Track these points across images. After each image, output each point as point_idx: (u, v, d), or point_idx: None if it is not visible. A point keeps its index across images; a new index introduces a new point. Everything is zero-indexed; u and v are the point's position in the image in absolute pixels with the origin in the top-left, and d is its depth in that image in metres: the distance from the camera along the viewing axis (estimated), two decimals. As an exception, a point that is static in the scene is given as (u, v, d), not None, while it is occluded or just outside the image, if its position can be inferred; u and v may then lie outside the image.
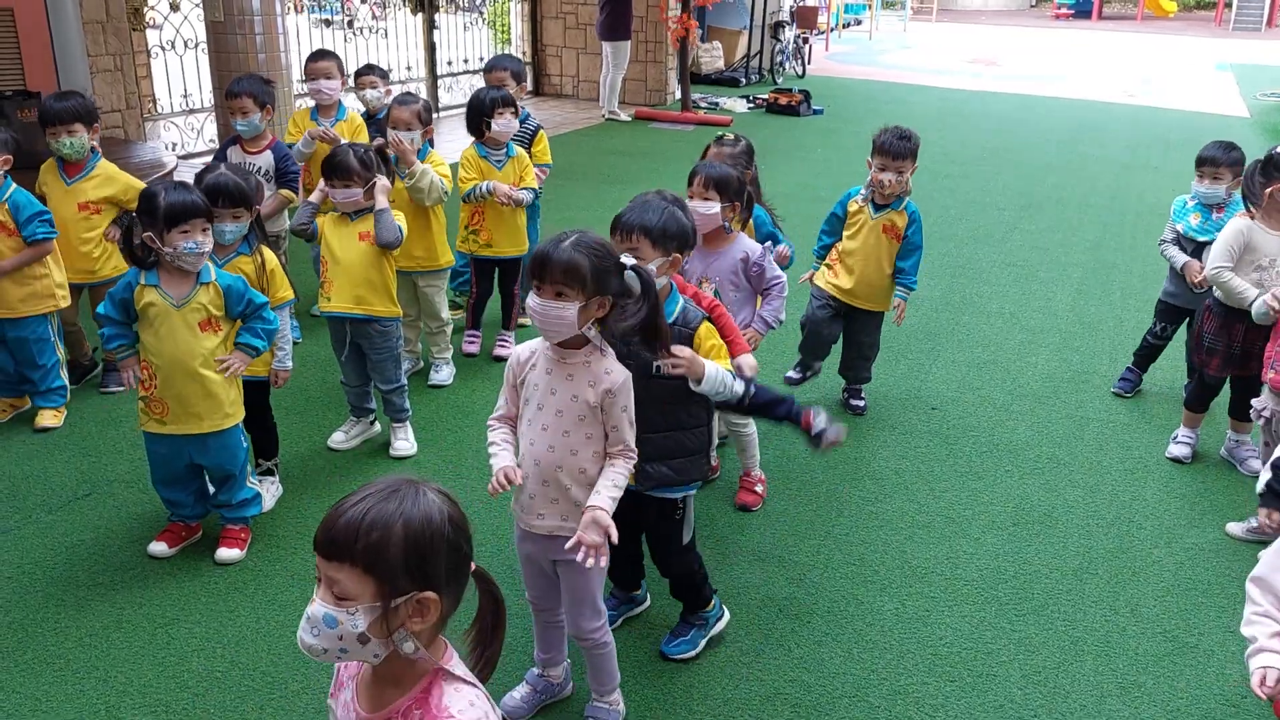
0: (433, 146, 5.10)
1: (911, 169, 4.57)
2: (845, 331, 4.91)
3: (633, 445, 2.66)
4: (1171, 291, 5.06)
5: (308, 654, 1.61)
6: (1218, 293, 4.35)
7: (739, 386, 2.91)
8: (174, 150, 9.34)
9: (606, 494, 2.59)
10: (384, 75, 5.96)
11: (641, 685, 3.14)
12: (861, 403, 5.02)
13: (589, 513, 2.56)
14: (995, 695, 3.17)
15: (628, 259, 2.61)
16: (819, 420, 3.30)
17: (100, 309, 3.59)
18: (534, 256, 2.54)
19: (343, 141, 5.41)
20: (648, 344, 2.69)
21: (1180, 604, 3.63)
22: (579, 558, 2.53)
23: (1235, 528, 4.05)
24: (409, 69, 12.60)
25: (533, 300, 2.52)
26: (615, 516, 2.76)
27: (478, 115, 5.12)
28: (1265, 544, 3.86)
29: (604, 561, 2.61)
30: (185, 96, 9.99)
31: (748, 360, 3.19)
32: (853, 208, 4.71)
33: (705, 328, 2.95)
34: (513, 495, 2.73)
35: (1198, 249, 4.81)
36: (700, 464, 3.03)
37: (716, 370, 2.81)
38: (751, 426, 4.08)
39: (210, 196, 3.61)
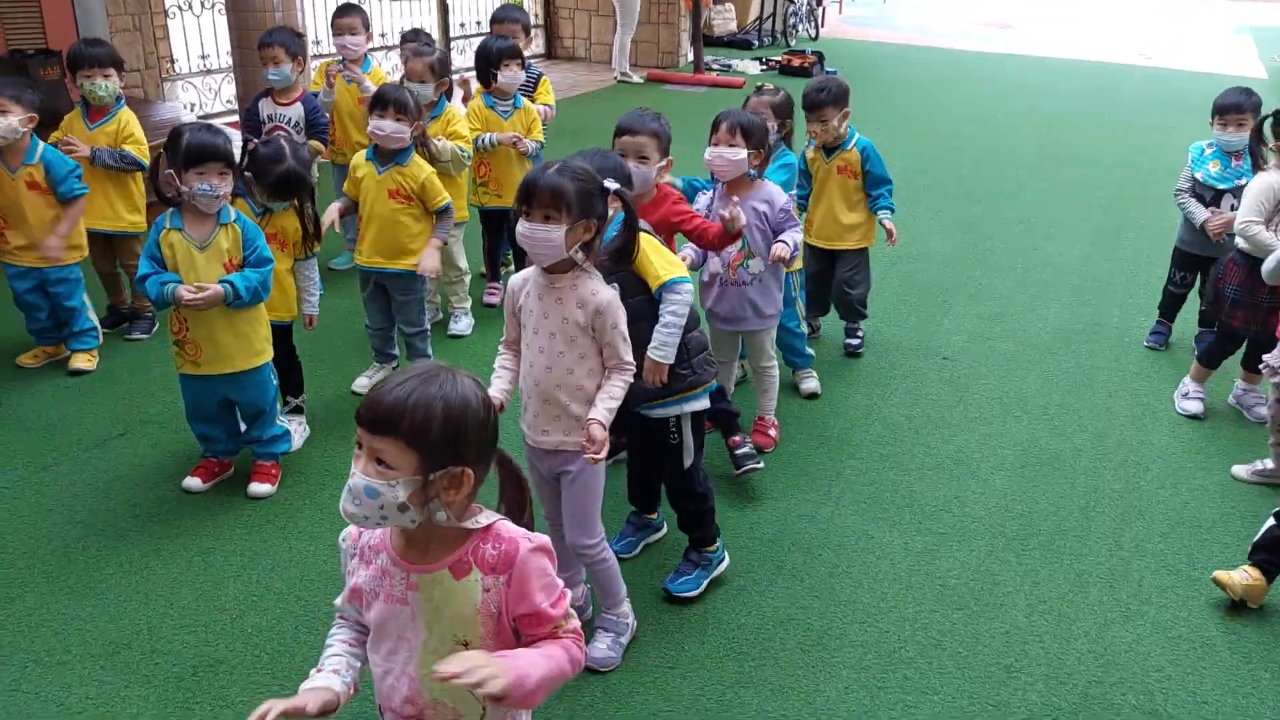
0: (450, 99, 5.16)
1: (837, 115, 4.65)
2: (832, 275, 4.98)
3: (628, 359, 2.77)
4: (1187, 239, 5.08)
5: (349, 520, 1.78)
6: (1243, 244, 4.34)
7: (679, 298, 2.97)
8: (192, 110, 9.45)
9: (602, 406, 2.73)
10: (430, 42, 5.96)
11: (658, 612, 3.26)
12: (856, 341, 5.12)
13: (587, 425, 2.70)
14: (1002, 622, 3.28)
15: (610, 183, 2.69)
16: (745, 447, 3.84)
17: (139, 271, 3.67)
18: (522, 183, 2.64)
19: (367, 83, 5.49)
20: (619, 263, 2.83)
21: (1184, 540, 3.72)
22: (586, 460, 2.71)
23: (1241, 470, 4.13)
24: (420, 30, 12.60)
25: (522, 225, 2.62)
26: (632, 436, 2.92)
27: (485, 65, 5.20)
28: (1270, 487, 3.98)
29: (600, 477, 2.85)
30: (203, 58, 10.04)
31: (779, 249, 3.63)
32: (810, 155, 4.82)
33: (647, 241, 2.99)
34: (519, 415, 2.87)
35: (1216, 197, 4.85)
36: (681, 375, 3.07)
37: (655, 347, 2.98)
38: (775, 370, 4.19)
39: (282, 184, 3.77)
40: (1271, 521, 3.36)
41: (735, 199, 3.54)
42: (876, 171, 4.75)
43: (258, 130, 5.37)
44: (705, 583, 3.37)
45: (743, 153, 3.70)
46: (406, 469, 1.70)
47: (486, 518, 1.84)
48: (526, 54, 5.51)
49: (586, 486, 2.84)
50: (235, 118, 9.16)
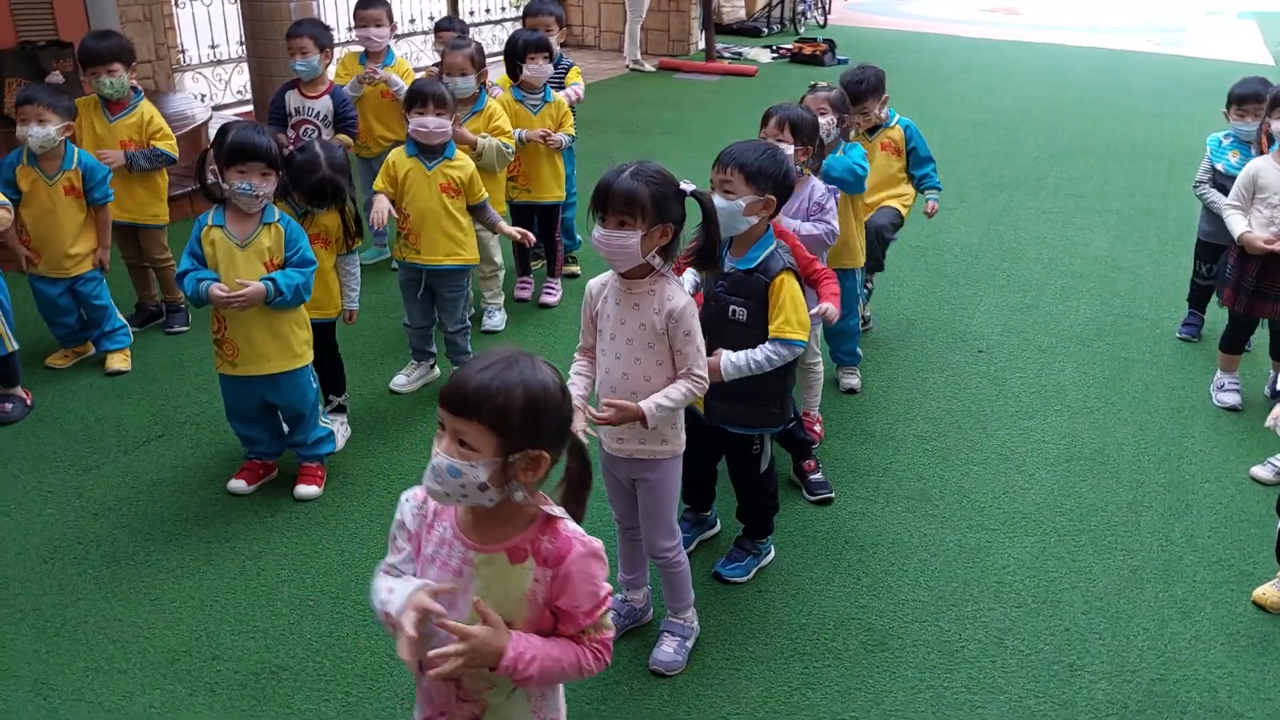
0: (489, 93, 5.12)
1: (877, 103, 4.69)
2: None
3: (699, 369, 2.71)
4: (1208, 230, 5.10)
5: (432, 498, 1.84)
6: None
7: (786, 352, 2.99)
8: (203, 101, 9.38)
9: (657, 398, 2.67)
10: (464, 30, 5.89)
11: (718, 610, 3.25)
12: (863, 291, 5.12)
13: (632, 406, 2.66)
14: (1060, 619, 3.27)
15: (687, 185, 2.67)
16: (818, 474, 3.86)
17: (180, 266, 3.64)
18: (596, 188, 2.60)
19: (396, 80, 5.45)
20: (701, 266, 2.81)
21: (1234, 534, 3.72)
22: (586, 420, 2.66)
23: (1261, 471, 4.08)
24: (431, 19, 12.53)
25: (597, 231, 2.59)
26: (694, 438, 2.92)
27: (511, 58, 5.17)
28: None
29: (677, 481, 2.85)
30: (213, 48, 9.98)
31: (829, 309, 3.37)
32: (853, 139, 4.79)
33: (784, 277, 3.00)
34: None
35: None
36: (770, 414, 3.13)
37: (732, 363, 2.96)
38: (820, 367, 4.17)
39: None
40: None
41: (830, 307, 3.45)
42: (921, 151, 4.81)
43: (283, 123, 5.32)
44: (754, 571, 3.41)
45: (790, 149, 3.67)
46: (487, 451, 1.75)
47: (552, 509, 1.87)
48: (559, 46, 5.47)
49: (664, 491, 2.82)
50: (248, 108, 9.13)
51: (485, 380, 1.74)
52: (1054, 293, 5.89)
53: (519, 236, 4.58)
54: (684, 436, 2.84)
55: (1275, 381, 4.68)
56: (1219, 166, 4.94)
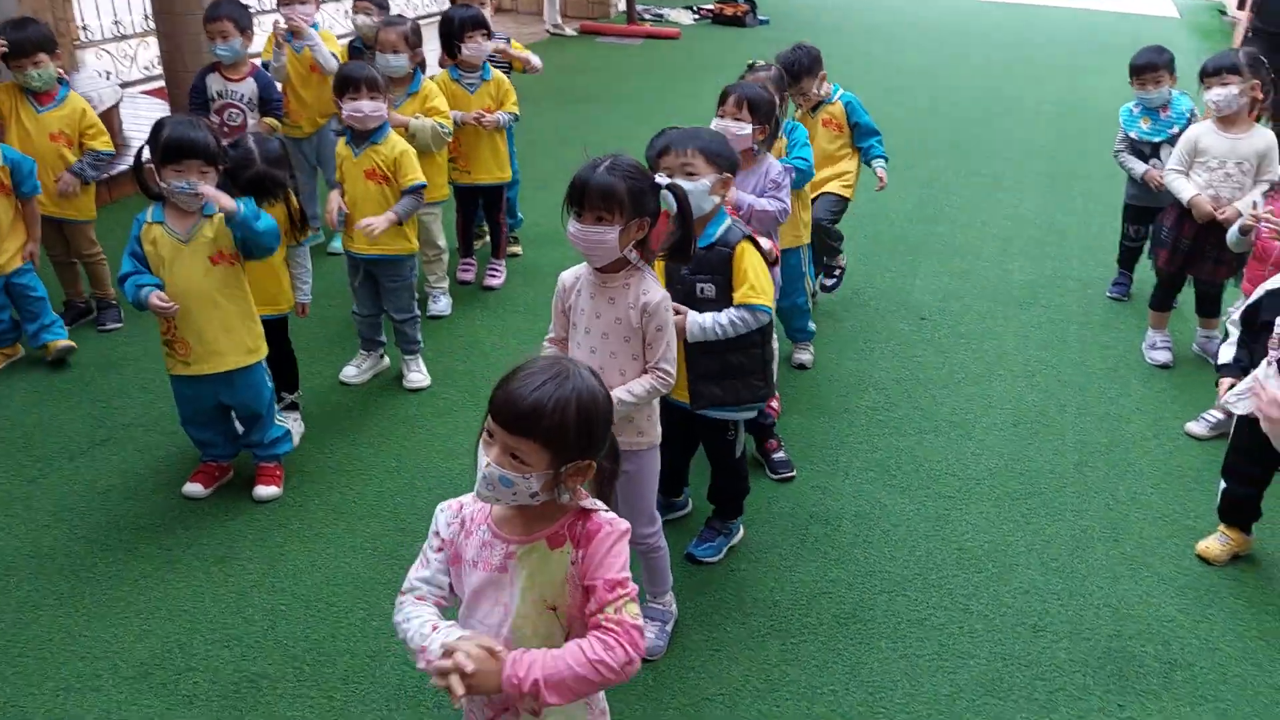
0: (425, 72, 5.03)
1: (814, 83, 4.72)
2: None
3: (666, 364, 2.71)
4: (1134, 193, 5.29)
5: (481, 501, 1.90)
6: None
7: (751, 318, 3.01)
8: (109, 79, 9.02)
9: (618, 392, 2.61)
10: (381, 3, 5.77)
11: (694, 592, 3.30)
12: (832, 281, 5.23)
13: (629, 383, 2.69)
14: (1019, 583, 3.39)
15: (662, 178, 2.68)
16: (780, 453, 3.93)
17: (122, 269, 3.53)
18: (572, 184, 2.60)
19: (317, 41, 5.29)
20: (675, 259, 2.82)
21: (1174, 490, 3.88)
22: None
23: (1195, 427, 4.26)
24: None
25: (573, 226, 2.59)
26: (670, 429, 2.94)
27: (448, 37, 5.07)
28: (1227, 434, 4.15)
29: (656, 468, 2.86)
30: (116, 23, 9.59)
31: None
32: (796, 115, 4.83)
33: (743, 245, 3.05)
34: None
35: (1155, 150, 5.06)
36: (752, 386, 3.16)
37: (699, 325, 2.97)
38: (774, 344, 4.20)
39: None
40: (1223, 483, 3.52)
41: (774, 242, 3.49)
42: (864, 122, 4.85)
43: (205, 108, 5.16)
44: (725, 550, 3.47)
45: (748, 127, 3.69)
46: (540, 465, 1.79)
47: (589, 502, 1.91)
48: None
49: (643, 480, 2.85)
50: (158, 84, 8.83)
51: (541, 399, 1.77)
52: (989, 257, 6.03)
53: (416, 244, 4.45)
54: (659, 428, 2.87)
55: (1204, 340, 4.87)
56: (1132, 135, 5.13)
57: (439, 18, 5.25)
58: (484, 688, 1.75)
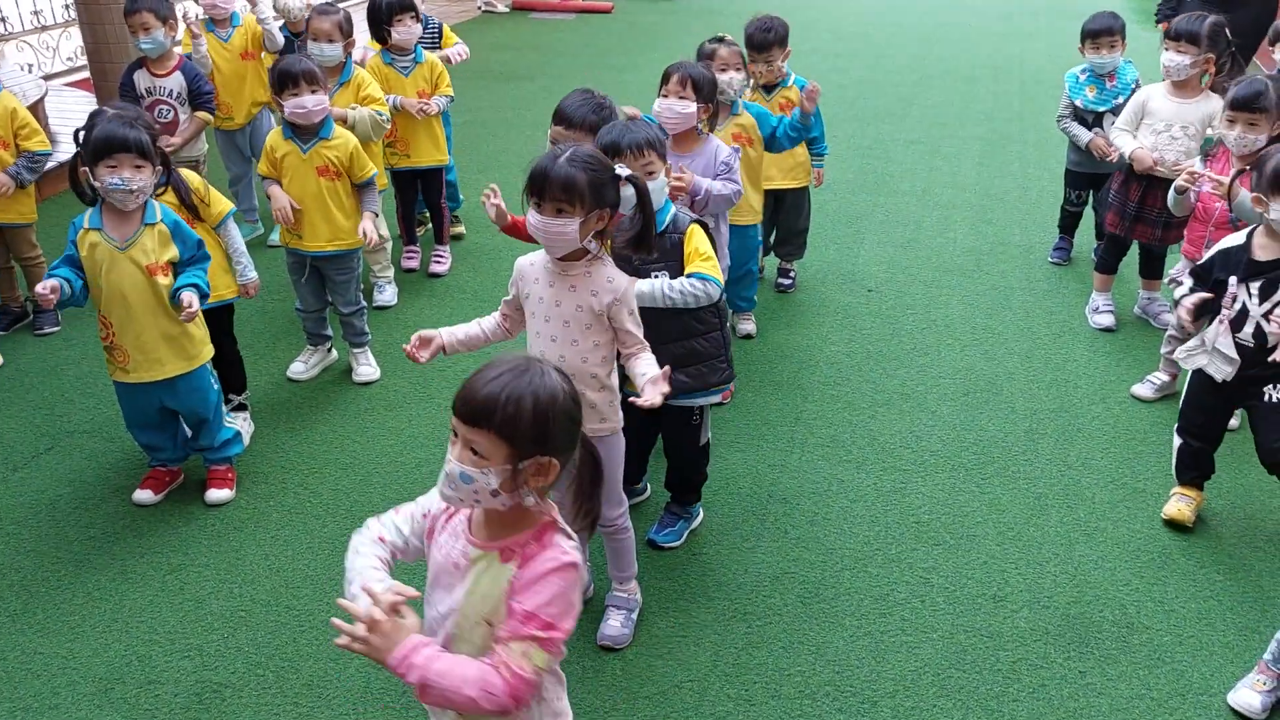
0: (357, 62, 4.93)
1: (782, 55, 4.73)
2: (777, 212, 5.06)
3: (641, 338, 2.76)
4: (1076, 160, 5.32)
5: (446, 503, 1.88)
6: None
7: (701, 288, 3.00)
8: (30, 71, 8.73)
9: (648, 369, 2.70)
10: None
11: (658, 578, 3.30)
12: (788, 281, 5.25)
13: (650, 380, 2.64)
14: (977, 554, 3.45)
15: (622, 169, 2.66)
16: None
17: (50, 267, 3.43)
18: (531, 174, 2.56)
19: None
20: (636, 252, 2.80)
21: (1124, 453, 3.96)
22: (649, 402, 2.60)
23: (1141, 389, 4.35)
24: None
25: (533, 217, 2.56)
26: (631, 419, 2.92)
27: (376, 22, 4.99)
28: (1173, 395, 4.24)
29: (621, 451, 2.89)
30: (36, 13, 9.27)
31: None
32: (749, 97, 4.81)
33: (693, 229, 3.06)
34: None
35: (1098, 119, 5.08)
36: (717, 368, 3.17)
37: (644, 290, 2.92)
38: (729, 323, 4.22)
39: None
40: (1178, 440, 3.60)
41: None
42: (814, 111, 4.77)
43: (136, 105, 5.01)
44: (686, 534, 3.49)
45: (692, 106, 3.67)
46: (498, 458, 1.78)
47: (558, 518, 1.89)
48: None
49: (609, 465, 2.82)
50: (83, 75, 8.57)
51: (495, 390, 1.77)
52: (931, 225, 6.08)
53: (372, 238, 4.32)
54: (621, 413, 2.86)
55: (1147, 302, 4.96)
56: (1077, 103, 5.12)
57: (367, 1, 5.13)
58: (373, 653, 1.70)
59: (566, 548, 1.83)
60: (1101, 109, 5.06)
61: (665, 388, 2.60)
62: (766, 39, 4.60)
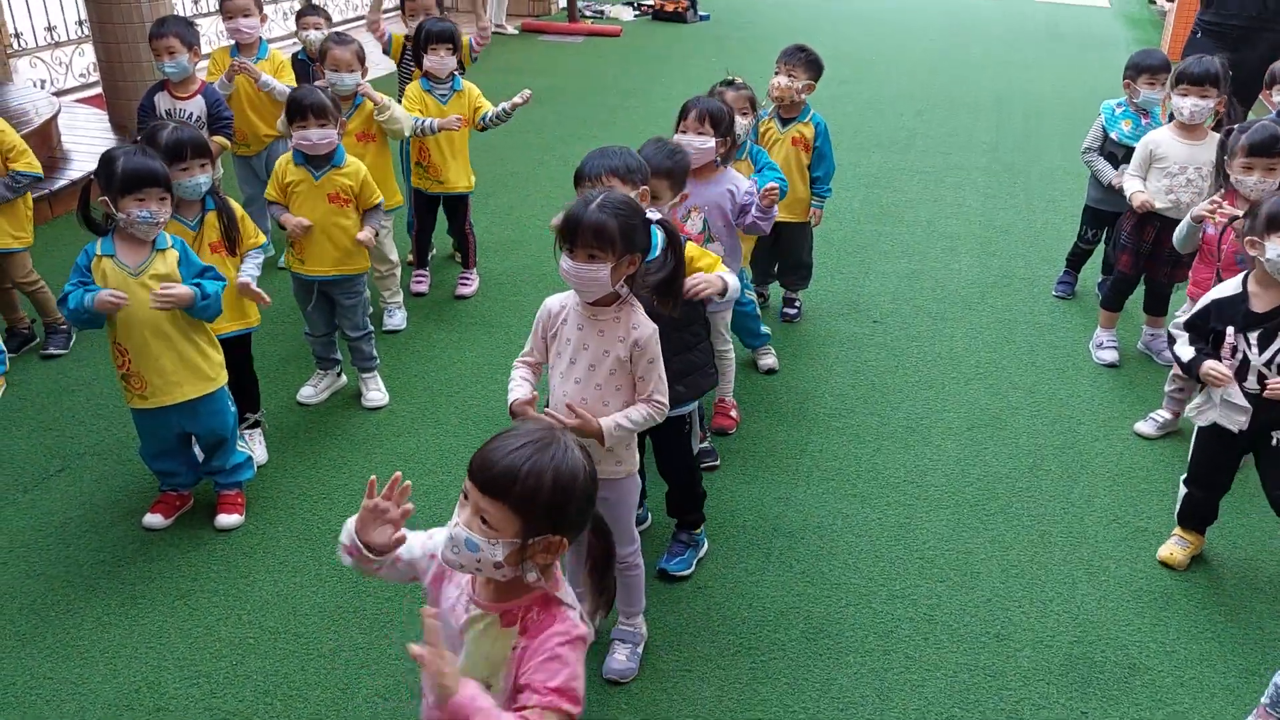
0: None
1: (805, 78, 4.81)
2: (778, 245, 5.09)
3: (659, 396, 2.77)
4: (1098, 197, 5.25)
5: (446, 565, 1.86)
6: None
7: (736, 282, 3.17)
8: (44, 88, 8.80)
9: (618, 417, 2.69)
10: (327, 17, 5.70)
11: (663, 611, 3.33)
12: (794, 311, 5.29)
13: (591, 417, 2.65)
14: (981, 591, 3.47)
15: (653, 214, 2.70)
16: (705, 443, 4.00)
17: (65, 289, 3.46)
18: (564, 220, 2.60)
19: (268, 78, 5.27)
20: (664, 296, 2.81)
21: (1127, 492, 3.99)
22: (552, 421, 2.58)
23: (1144, 427, 4.37)
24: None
25: (566, 263, 2.60)
26: None
27: (417, 46, 5.09)
28: (1175, 433, 4.27)
29: (635, 492, 2.92)
30: (50, 29, 9.34)
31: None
32: (763, 128, 4.87)
33: (691, 247, 3.16)
34: None
35: (1127, 154, 4.96)
36: (708, 375, 3.30)
37: (731, 277, 3.10)
38: (732, 353, 4.26)
39: (176, 151, 3.55)
40: (1184, 490, 3.62)
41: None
42: (826, 151, 4.89)
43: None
44: (695, 563, 3.51)
45: (711, 141, 3.73)
46: (508, 532, 1.76)
47: (564, 593, 1.88)
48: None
49: (623, 504, 2.87)
50: (95, 91, 8.63)
51: (516, 462, 1.74)
52: (936, 256, 6.12)
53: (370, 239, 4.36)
54: (638, 456, 2.89)
55: (1150, 339, 4.99)
56: (1112, 135, 5.05)
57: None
58: (439, 690, 1.67)
59: (575, 619, 1.83)
60: (1133, 145, 4.94)
61: (573, 417, 2.62)
62: (800, 57, 4.78)
